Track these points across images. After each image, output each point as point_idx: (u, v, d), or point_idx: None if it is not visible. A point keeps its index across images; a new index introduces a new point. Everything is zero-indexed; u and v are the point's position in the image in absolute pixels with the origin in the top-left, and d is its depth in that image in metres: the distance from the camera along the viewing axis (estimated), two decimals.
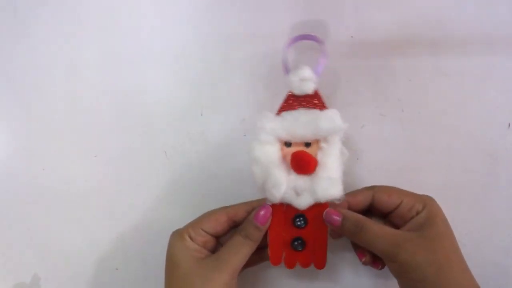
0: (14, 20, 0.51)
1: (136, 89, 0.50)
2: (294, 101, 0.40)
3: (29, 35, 0.51)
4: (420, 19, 0.46)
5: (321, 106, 0.40)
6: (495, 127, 0.45)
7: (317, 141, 0.40)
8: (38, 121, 0.51)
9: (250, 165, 0.39)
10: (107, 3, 0.50)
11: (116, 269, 0.50)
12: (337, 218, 0.38)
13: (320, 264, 0.41)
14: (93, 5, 0.50)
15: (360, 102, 0.47)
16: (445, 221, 0.38)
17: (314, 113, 0.39)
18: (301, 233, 0.40)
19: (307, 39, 0.43)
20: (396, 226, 0.40)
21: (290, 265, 0.41)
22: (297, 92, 0.40)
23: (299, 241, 0.40)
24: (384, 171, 0.46)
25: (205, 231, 0.40)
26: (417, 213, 0.38)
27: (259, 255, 0.42)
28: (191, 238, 0.40)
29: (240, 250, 0.39)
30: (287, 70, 0.41)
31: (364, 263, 0.41)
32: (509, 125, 0.45)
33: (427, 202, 0.39)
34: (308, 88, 0.39)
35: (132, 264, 0.50)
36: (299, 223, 0.40)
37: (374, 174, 0.46)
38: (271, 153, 0.39)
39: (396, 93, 0.46)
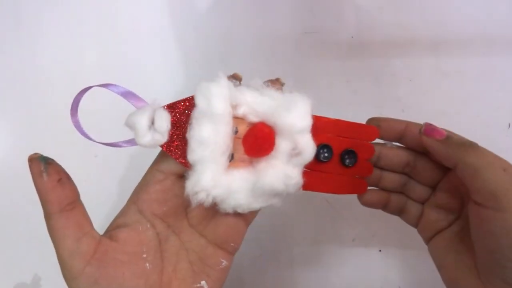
0: (15, 20, 0.51)
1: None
2: (173, 142, 0.31)
3: (30, 36, 0.51)
4: (420, 19, 0.46)
5: (189, 102, 0.32)
6: (495, 127, 0.45)
7: (236, 117, 0.30)
8: (38, 121, 0.51)
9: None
10: (108, 5, 0.50)
11: None
12: (441, 129, 0.30)
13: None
14: (94, 7, 0.50)
15: (360, 102, 0.47)
16: None
17: (196, 113, 0.31)
18: (337, 148, 0.31)
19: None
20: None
21: (362, 189, 0.33)
22: (163, 140, 0.30)
23: (347, 156, 0.32)
24: None
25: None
26: None
27: None
28: None
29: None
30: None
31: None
32: (509, 125, 0.45)
33: None
34: (164, 127, 0.31)
35: None
36: (325, 155, 0.31)
37: None
38: (234, 177, 0.29)
39: (396, 93, 0.46)
